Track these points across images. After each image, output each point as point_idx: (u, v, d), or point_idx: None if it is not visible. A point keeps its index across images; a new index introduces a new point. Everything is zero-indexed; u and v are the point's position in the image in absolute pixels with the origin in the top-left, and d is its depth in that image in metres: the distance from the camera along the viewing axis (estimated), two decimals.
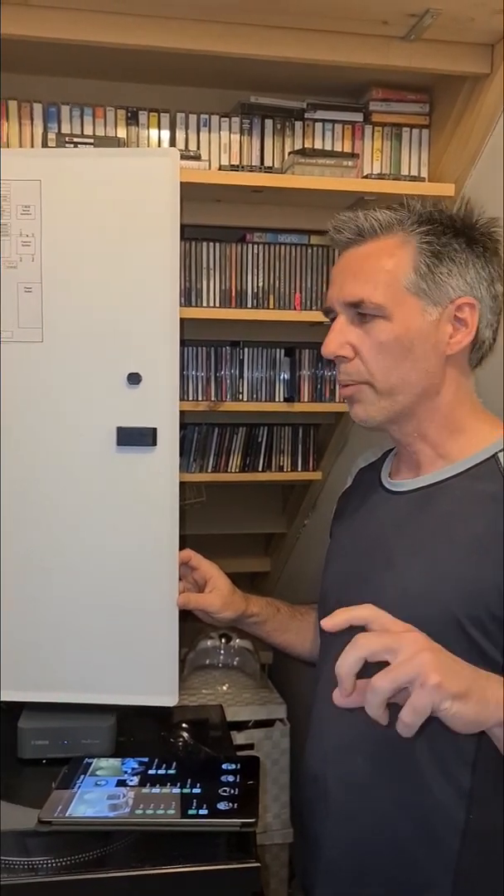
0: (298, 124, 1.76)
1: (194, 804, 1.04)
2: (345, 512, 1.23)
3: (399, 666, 0.69)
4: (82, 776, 1.14)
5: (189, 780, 1.10)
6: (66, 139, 1.41)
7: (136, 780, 1.12)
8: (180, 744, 1.29)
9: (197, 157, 1.64)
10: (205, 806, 1.04)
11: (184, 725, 1.33)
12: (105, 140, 1.41)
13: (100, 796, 1.08)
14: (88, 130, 1.60)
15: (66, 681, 1.24)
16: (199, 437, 2.06)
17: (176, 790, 1.08)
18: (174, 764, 1.15)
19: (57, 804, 1.06)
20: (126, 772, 1.14)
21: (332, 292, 1.06)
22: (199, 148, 1.68)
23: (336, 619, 0.75)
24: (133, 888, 0.99)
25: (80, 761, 1.18)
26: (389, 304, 1.00)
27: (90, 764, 1.17)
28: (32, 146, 1.59)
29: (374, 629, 0.73)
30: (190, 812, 1.03)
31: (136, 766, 1.16)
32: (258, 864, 0.97)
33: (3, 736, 1.28)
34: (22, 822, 1.08)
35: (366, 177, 1.76)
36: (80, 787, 1.11)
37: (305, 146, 1.74)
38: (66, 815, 1.04)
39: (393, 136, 1.78)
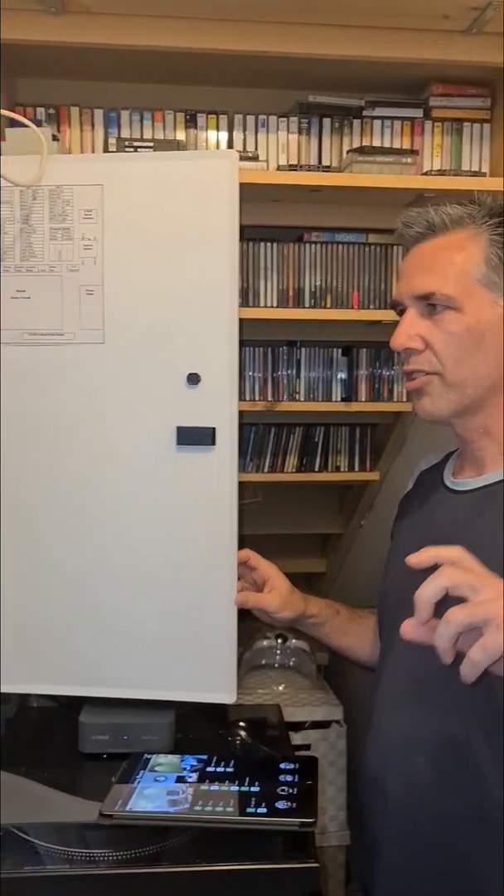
0: (357, 122, 1.75)
1: (253, 802, 1.05)
2: (406, 514, 1.22)
3: (478, 604, 0.68)
4: (142, 771, 1.16)
5: (247, 779, 1.11)
6: (127, 143, 1.43)
7: (194, 776, 1.13)
8: (238, 742, 1.30)
9: (255, 158, 1.64)
10: (263, 804, 1.04)
11: (241, 724, 1.34)
12: (164, 143, 1.43)
13: (159, 792, 1.09)
14: (148, 134, 1.62)
15: (127, 677, 1.25)
16: (255, 437, 2.06)
17: (234, 788, 1.09)
18: (232, 762, 1.16)
19: (117, 798, 1.08)
20: (185, 768, 1.15)
21: (401, 286, 1.06)
22: (256, 148, 1.69)
23: (422, 557, 0.74)
24: (191, 884, 0.99)
25: (139, 757, 1.20)
26: (460, 295, 1.00)
27: (149, 760, 1.19)
28: (93, 151, 1.62)
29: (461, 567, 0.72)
30: (248, 810, 1.03)
31: (195, 763, 1.17)
32: (317, 865, 0.97)
33: (63, 730, 1.31)
34: (82, 814, 1.10)
35: (426, 173, 1.74)
36: (139, 782, 1.13)
37: (364, 144, 1.73)
38: (127, 809, 1.05)
39: (453, 132, 1.76)
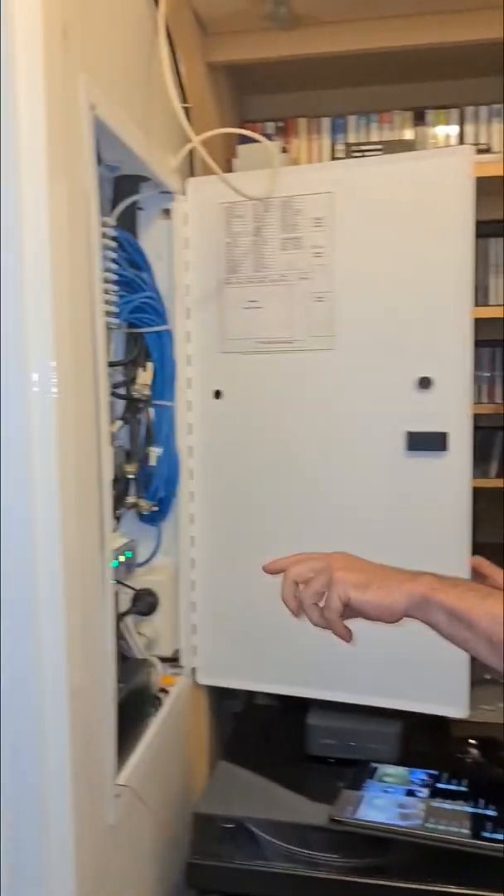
0: None
1: (489, 826, 1.00)
2: None
3: (314, 559, 0.80)
4: (369, 780, 1.15)
5: (482, 800, 1.06)
6: (354, 148, 1.43)
7: (425, 791, 1.10)
8: (469, 760, 1.25)
9: (487, 150, 1.57)
10: (500, 830, 0.99)
11: (472, 741, 1.29)
12: (394, 144, 1.41)
13: (389, 803, 1.08)
14: (375, 137, 1.61)
15: (356, 682, 1.25)
16: (483, 440, 1.97)
17: (468, 808, 1.05)
18: (465, 780, 1.12)
19: (347, 804, 1.08)
20: (414, 782, 1.13)
21: None
22: (489, 140, 1.61)
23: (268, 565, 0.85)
24: None
25: (366, 765, 1.19)
26: None
27: (376, 769, 1.18)
28: (321, 160, 1.63)
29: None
30: (484, 834, 0.99)
31: (425, 777, 1.14)
32: None
33: (288, 729, 1.34)
34: (310, 816, 1.11)
35: None
36: (367, 790, 1.12)
37: None
38: (357, 816, 1.05)
39: None
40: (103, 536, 0.90)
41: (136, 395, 1.22)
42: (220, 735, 1.45)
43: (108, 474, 0.92)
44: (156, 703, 1.19)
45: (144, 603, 1.25)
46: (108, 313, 1.10)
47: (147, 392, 1.24)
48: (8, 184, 0.72)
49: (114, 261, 1.13)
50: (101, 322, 0.90)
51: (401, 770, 1.17)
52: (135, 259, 1.22)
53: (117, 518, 1.22)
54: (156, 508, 1.25)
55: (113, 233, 1.12)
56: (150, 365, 1.25)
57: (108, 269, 1.09)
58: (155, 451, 1.24)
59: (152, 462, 1.24)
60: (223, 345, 1.30)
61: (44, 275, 0.74)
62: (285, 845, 1.09)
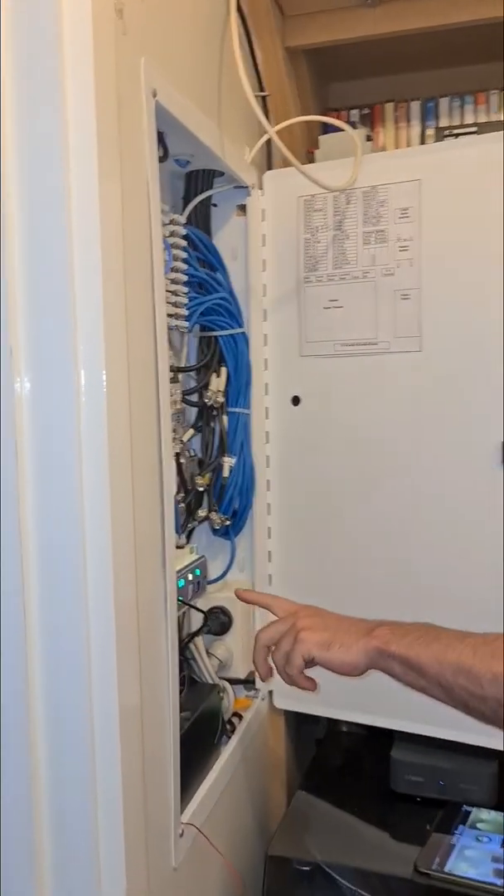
0: None
1: None
2: None
3: (279, 622, 0.84)
4: (461, 825, 1.04)
5: None
6: (447, 132, 1.32)
7: None
8: None
9: None
10: None
11: None
12: (490, 125, 1.29)
13: (483, 856, 0.97)
14: (470, 119, 1.49)
15: (446, 715, 1.14)
16: None
17: None
18: None
19: (435, 853, 0.98)
20: None
21: None
22: None
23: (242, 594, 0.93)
24: None
25: (457, 807, 1.08)
26: None
27: (469, 813, 1.07)
28: (409, 146, 1.53)
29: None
30: None
31: None
32: None
33: (372, 761, 1.24)
34: (395, 862, 1.01)
35: None
36: (459, 837, 1.01)
37: None
38: (446, 870, 0.95)
39: None
40: (165, 555, 0.84)
41: (208, 402, 1.16)
42: (299, 762, 1.37)
43: (171, 489, 0.85)
44: (228, 729, 1.12)
45: (216, 622, 1.18)
46: (177, 316, 1.04)
47: (221, 399, 1.17)
48: (55, 178, 0.66)
49: (184, 261, 1.07)
50: (163, 324, 0.83)
51: (497, 816, 1.05)
52: (208, 259, 1.15)
53: (189, 532, 1.15)
54: (228, 522, 1.18)
55: (183, 231, 1.06)
56: (224, 370, 1.18)
57: (177, 270, 1.03)
58: (228, 462, 1.17)
59: (225, 473, 1.17)
60: (302, 348, 1.21)
61: (93, 274, 0.67)
62: (366, 895, 1.00)
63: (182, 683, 1.02)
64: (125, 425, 0.73)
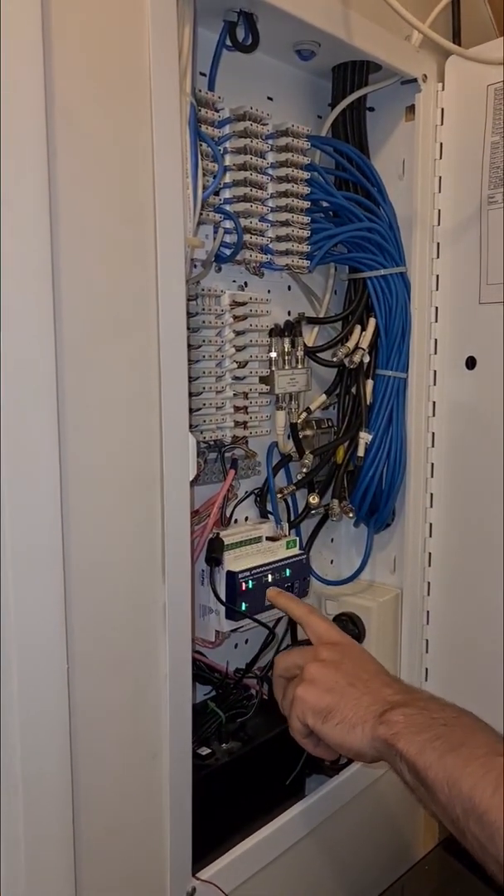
0: None
1: None
2: None
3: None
4: None
5: None
6: None
7: None
8: None
9: None
10: None
11: None
12: None
13: None
14: None
15: None
16: None
17: None
18: None
19: None
20: None
21: None
22: None
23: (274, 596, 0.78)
24: None
25: None
26: None
27: None
28: None
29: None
30: None
31: None
32: None
33: None
34: None
35: None
36: None
37: None
38: None
39: None
40: (165, 556, 0.65)
41: (347, 362, 0.93)
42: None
43: (186, 485, 0.66)
44: (330, 770, 0.90)
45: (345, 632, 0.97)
46: (293, 253, 0.83)
47: (360, 357, 0.93)
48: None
49: (308, 182, 0.85)
50: (179, 262, 0.63)
51: None
52: (358, 180, 0.91)
53: (322, 520, 0.96)
54: (351, 514, 0.95)
55: (304, 144, 0.83)
56: (372, 322, 0.93)
57: (291, 194, 0.82)
58: (364, 438, 0.93)
59: (360, 452, 0.93)
60: (483, 293, 0.91)
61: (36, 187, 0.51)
62: None
63: (246, 704, 0.83)
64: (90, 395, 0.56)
